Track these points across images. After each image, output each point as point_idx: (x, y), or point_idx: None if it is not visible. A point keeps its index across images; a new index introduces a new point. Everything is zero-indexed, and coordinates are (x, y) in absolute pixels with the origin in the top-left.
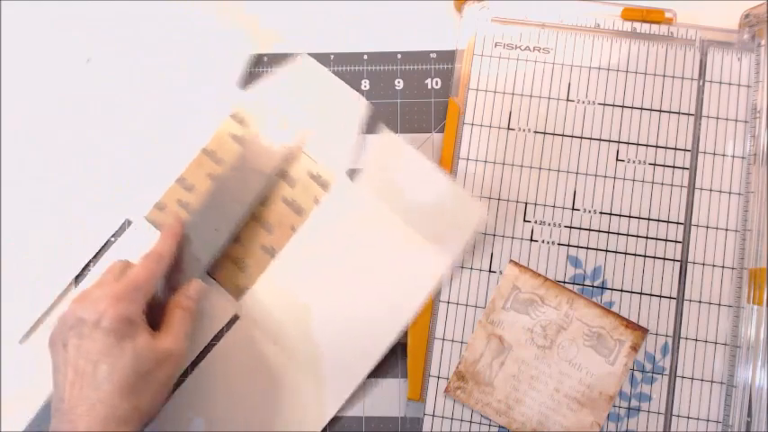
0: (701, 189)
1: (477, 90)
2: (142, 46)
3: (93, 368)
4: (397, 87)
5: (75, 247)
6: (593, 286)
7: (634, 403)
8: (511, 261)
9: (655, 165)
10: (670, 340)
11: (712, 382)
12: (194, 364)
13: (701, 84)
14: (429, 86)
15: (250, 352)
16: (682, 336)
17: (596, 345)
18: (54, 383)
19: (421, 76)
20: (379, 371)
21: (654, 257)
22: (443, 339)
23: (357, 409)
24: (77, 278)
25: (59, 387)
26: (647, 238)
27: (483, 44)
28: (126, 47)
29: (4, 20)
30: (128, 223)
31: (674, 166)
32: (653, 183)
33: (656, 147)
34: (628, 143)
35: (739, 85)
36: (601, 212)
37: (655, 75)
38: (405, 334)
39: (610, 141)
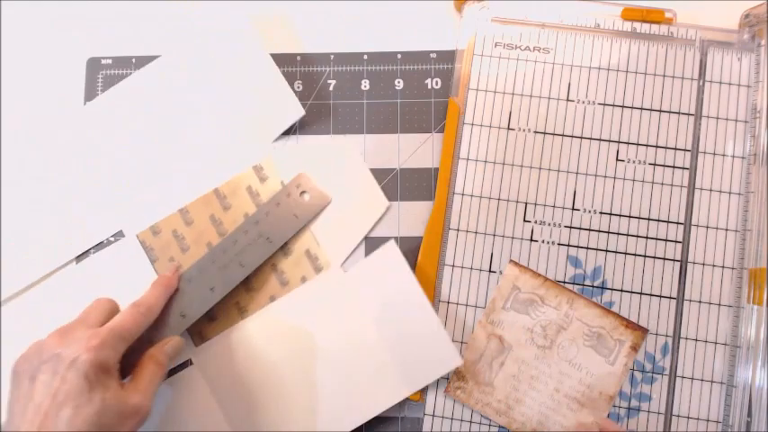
0: (701, 189)
1: (477, 90)
2: (142, 46)
3: (57, 411)
4: (397, 87)
5: (73, 247)
6: (593, 286)
7: (634, 403)
8: (511, 261)
9: (655, 165)
10: (670, 340)
11: (712, 382)
12: None
13: (700, 84)
14: (429, 86)
15: (190, 401)
16: (682, 336)
17: (596, 345)
18: (9, 412)
19: (421, 76)
20: None
21: (654, 257)
22: None
23: None
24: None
25: (14, 419)
26: (647, 238)
27: (483, 44)
28: (130, 46)
29: (4, 20)
30: (121, 234)
31: (674, 166)
32: (653, 183)
33: (656, 147)
34: (628, 143)
35: (739, 85)
36: (601, 212)
37: (655, 75)
38: None
39: (610, 141)
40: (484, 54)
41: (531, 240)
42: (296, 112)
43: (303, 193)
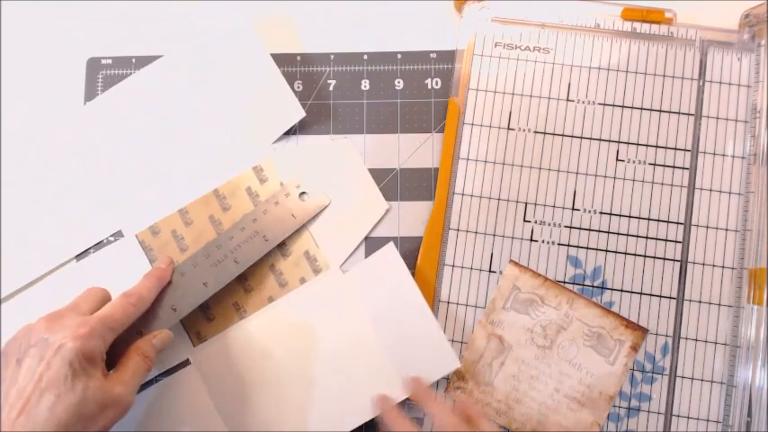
0: (701, 189)
1: (477, 90)
2: (142, 46)
3: (39, 396)
4: (397, 87)
5: (72, 246)
6: (593, 286)
7: (634, 403)
8: (511, 261)
9: (655, 165)
10: (670, 340)
11: (712, 382)
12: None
13: (700, 84)
14: (429, 86)
15: (187, 400)
16: (682, 336)
17: (596, 345)
18: None
19: (421, 76)
20: None
21: (654, 257)
22: None
23: None
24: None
25: None
26: (647, 238)
27: (483, 44)
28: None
29: (4, 20)
30: (120, 234)
31: (674, 166)
32: (653, 183)
33: (656, 147)
34: (628, 143)
35: (739, 85)
36: (601, 212)
37: (655, 75)
38: None
39: (610, 141)
40: (484, 54)
41: (531, 240)
42: (296, 113)
43: (302, 193)
